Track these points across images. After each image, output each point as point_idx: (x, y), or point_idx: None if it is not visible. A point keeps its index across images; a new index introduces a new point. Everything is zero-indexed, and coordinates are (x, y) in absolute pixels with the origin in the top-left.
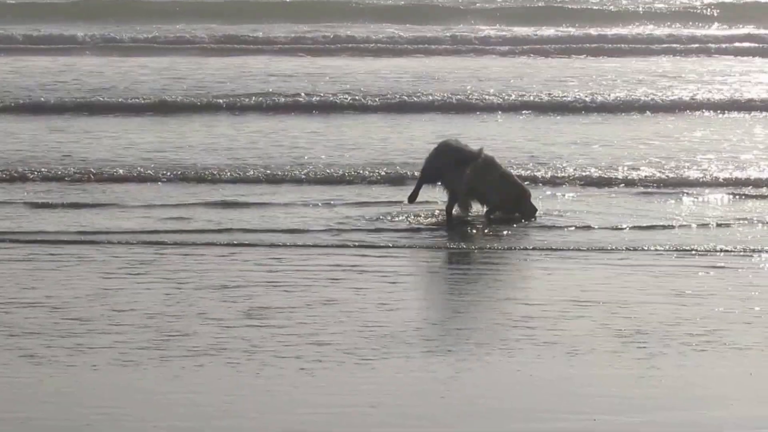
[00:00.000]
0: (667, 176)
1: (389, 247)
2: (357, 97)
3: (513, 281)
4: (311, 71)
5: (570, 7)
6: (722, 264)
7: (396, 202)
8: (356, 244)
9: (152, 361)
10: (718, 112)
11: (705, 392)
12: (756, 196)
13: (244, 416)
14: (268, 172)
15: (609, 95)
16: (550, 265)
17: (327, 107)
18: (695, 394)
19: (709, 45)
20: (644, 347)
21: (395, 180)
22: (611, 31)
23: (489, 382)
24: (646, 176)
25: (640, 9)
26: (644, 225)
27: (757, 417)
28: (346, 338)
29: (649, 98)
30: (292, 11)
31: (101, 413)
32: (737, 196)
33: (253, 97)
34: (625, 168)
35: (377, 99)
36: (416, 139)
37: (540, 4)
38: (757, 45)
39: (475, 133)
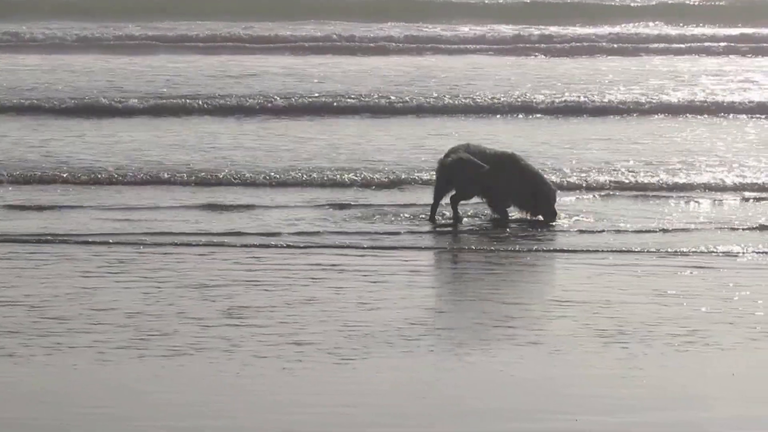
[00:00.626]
0: (657, 180)
1: (370, 247)
2: (363, 98)
3: (494, 281)
4: (298, 70)
5: (558, 2)
6: (705, 264)
7: (381, 205)
8: (336, 243)
9: (132, 361)
10: (711, 114)
11: (687, 392)
12: (743, 199)
13: (226, 416)
14: (253, 174)
15: (600, 96)
16: (532, 265)
17: (317, 108)
18: (678, 395)
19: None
20: (626, 347)
21: (383, 182)
22: (599, 30)
23: (470, 382)
24: (635, 179)
25: (629, 3)
26: (631, 228)
27: (739, 417)
28: (326, 338)
29: (642, 99)
30: (283, 9)
31: (81, 413)
32: (722, 200)
33: (248, 100)
34: (618, 170)
35: (367, 99)
36: (405, 138)
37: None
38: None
39: (467, 134)
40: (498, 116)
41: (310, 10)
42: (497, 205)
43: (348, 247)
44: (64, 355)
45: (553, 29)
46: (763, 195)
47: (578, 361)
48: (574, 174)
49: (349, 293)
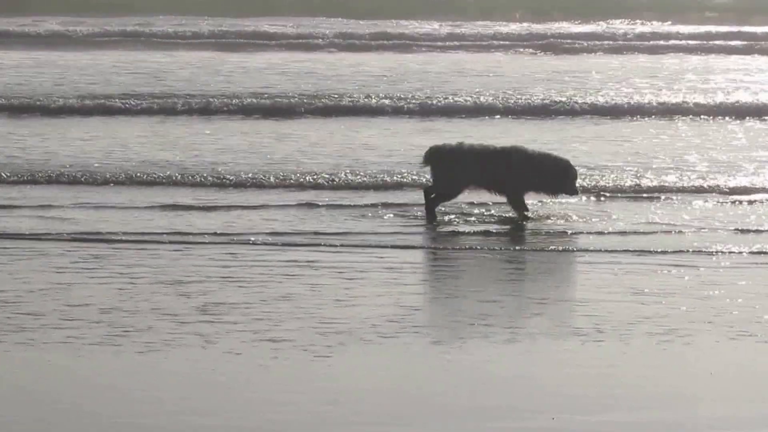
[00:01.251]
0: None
1: (345, 245)
2: (349, 97)
3: (471, 279)
4: (286, 68)
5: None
6: (683, 263)
7: (365, 205)
8: (312, 241)
9: (107, 357)
10: (695, 115)
11: (665, 391)
12: (724, 201)
13: (200, 413)
14: (233, 173)
15: (586, 97)
16: (509, 263)
17: (304, 106)
18: (655, 393)
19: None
20: (604, 346)
21: (367, 181)
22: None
23: (447, 380)
24: (620, 181)
25: None
26: (611, 229)
27: (717, 417)
28: (302, 334)
29: (627, 100)
30: (273, 6)
31: (55, 408)
32: (705, 201)
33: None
34: (603, 171)
35: (355, 98)
36: (391, 138)
37: None
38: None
39: (451, 136)
40: (485, 116)
41: (296, 7)
42: (511, 195)
43: (324, 244)
44: (38, 350)
45: (538, 27)
46: (746, 197)
47: (555, 359)
48: None
49: (325, 290)
